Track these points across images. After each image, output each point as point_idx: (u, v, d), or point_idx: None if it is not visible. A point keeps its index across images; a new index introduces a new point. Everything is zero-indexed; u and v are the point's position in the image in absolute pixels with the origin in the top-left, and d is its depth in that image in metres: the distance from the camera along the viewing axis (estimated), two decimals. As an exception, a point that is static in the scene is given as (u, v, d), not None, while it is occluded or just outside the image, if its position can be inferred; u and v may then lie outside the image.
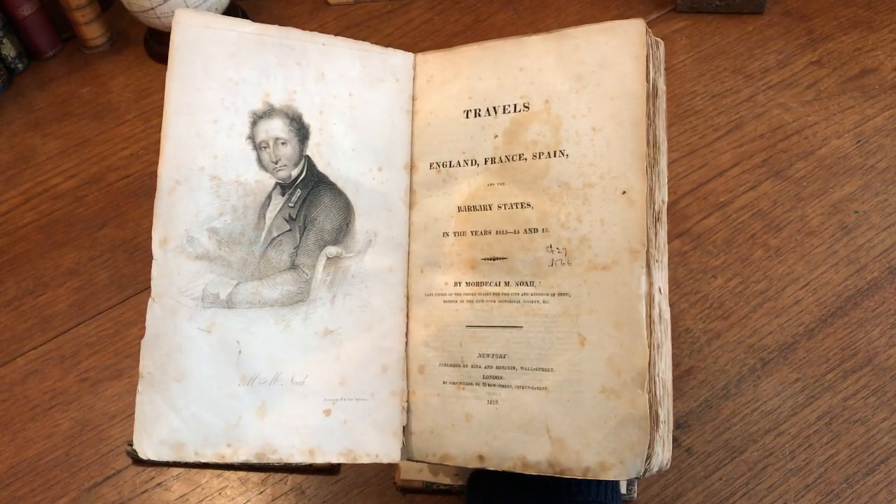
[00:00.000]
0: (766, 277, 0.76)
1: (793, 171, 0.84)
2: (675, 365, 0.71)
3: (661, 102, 0.51)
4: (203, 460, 0.47)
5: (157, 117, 0.98)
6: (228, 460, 0.47)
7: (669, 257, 0.78)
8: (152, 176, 0.92)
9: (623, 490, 0.63)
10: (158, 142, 0.97)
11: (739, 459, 0.65)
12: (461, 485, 0.65)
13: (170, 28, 1.00)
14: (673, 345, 0.72)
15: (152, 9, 0.94)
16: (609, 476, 0.45)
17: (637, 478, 0.45)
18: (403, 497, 0.67)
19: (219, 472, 0.69)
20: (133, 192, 0.91)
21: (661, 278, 0.49)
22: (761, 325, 0.73)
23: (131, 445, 0.71)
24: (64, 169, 0.94)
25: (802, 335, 0.72)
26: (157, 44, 1.05)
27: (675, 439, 0.67)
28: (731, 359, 0.71)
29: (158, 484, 0.69)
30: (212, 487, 0.68)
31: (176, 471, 0.70)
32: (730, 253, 0.78)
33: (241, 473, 0.69)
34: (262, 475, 0.69)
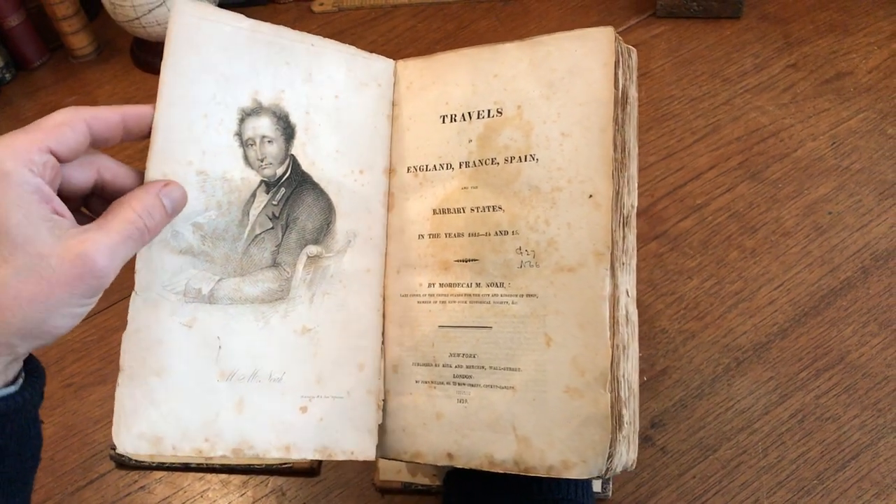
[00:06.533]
0: (742, 278, 0.77)
1: (769, 173, 0.85)
2: (651, 365, 0.72)
3: (633, 109, 0.52)
4: (181, 454, 0.47)
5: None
6: (206, 455, 0.48)
7: (646, 259, 0.79)
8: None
9: (598, 489, 0.64)
10: (144, 150, 0.98)
11: (713, 457, 0.66)
12: (439, 485, 0.66)
13: (155, 38, 1.02)
14: (649, 345, 0.73)
15: (137, 18, 0.95)
16: (572, 474, 0.46)
17: (600, 477, 0.46)
18: (382, 498, 0.67)
19: (200, 474, 0.70)
20: (118, 199, 0.92)
21: (629, 281, 0.50)
22: (736, 324, 0.74)
23: (114, 449, 0.71)
24: (50, 177, 0.95)
25: (776, 335, 0.73)
26: (143, 53, 1.06)
27: (649, 438, 0.68)
28: (705, 358, 0.72)
29: (141, 487, 0.70)
30: (194, 490, 0.69)
31: (158, 474, 0.71)
32: (706, 254, 0.79)
33: (223, 476, 0.70)
34: (243, 478, 0.69)
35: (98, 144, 0.44)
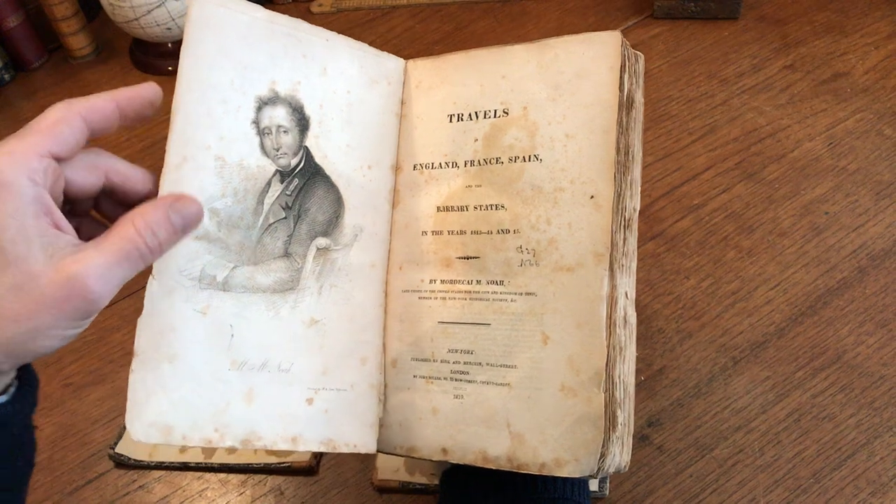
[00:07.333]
0: (738, 278, 0.77)
1: (765, 174, 0.85)
2: (648, 364, 0.72)
3: (638, 114, 0.52)
4: (190, 444, 0.47)
5: (142, 126, 0.99)
6: (215, 445, 0.47)
7: (643, 259, 0.80)
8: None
9: (595, 487, 0.65)
10: (143, 151, 0.98)
11: (710, 456, 0.66)
12: (437, 485, 0.66)
13: (154, 39, 1.02)
14: (646, 345, 0.74)
15: (136, 20, 0.96)
16: (563, 472, 0.46)
17: (592, 476, 0.46)
18: (380, 497, 0.68)
19: (199, 473, 0.70)
20: (117, 199, 0.92)
21: (628, 283, 0.50)
22: (733, 324, 0.74)
23: (113, 449, 0.72)
24: (49, 177, 0.95)
25: (773, 334, 0.73)
26: (142, 53, 1.06)
27: (646, 437, 0.68)
28: (702, 358, 0.72)
29: (140, 486, 0.70)
30: (192, 489, 0.69)
31: (157, 473, 0.71)
32: (703, 254, 0.79)
33: (222, 475, 0.70)
34: (241, 477, 0.70)
35: (96, 135, 0.43)
